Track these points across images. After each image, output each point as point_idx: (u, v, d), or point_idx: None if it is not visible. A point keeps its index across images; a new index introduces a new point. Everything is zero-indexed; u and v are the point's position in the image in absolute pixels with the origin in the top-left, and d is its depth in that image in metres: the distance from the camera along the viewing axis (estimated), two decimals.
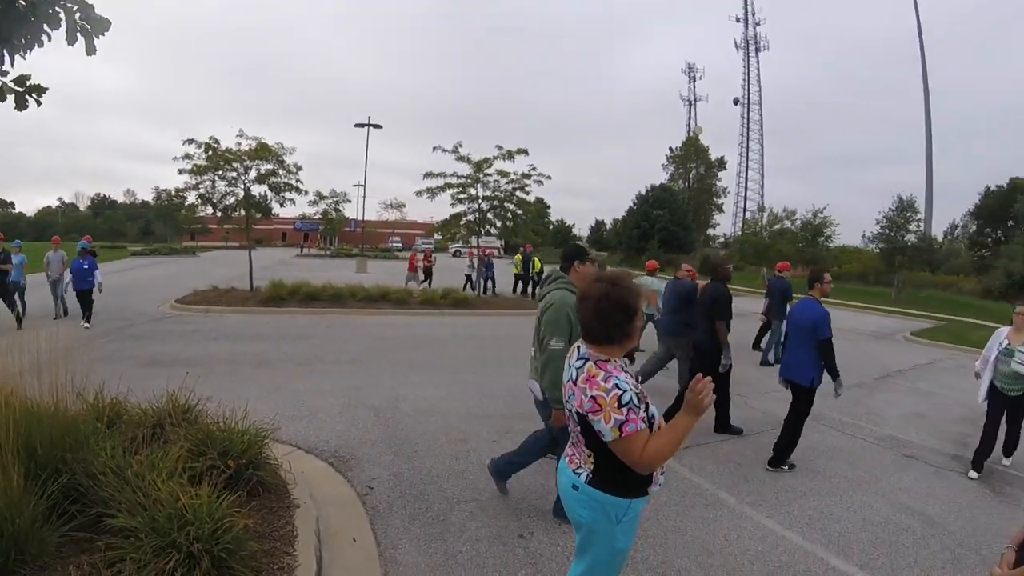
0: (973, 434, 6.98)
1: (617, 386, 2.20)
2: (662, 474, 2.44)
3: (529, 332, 4.52)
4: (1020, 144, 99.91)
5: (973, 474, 5.77)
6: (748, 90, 74.51)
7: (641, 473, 2.24)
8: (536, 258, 21.68)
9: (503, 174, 18.49)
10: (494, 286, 21.31)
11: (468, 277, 21.76)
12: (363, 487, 4.69)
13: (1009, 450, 6.03)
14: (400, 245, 68.53)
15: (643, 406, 2.27)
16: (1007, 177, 47.25)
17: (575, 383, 2.32)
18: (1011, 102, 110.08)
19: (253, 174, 16.38)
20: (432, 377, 8.48)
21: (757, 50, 74.36)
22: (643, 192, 58.28)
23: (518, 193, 18.91)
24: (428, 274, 22.64)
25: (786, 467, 5.63)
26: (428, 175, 18.41)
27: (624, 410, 2.17)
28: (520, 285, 21.87)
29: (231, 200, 16.50)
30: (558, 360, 3.65)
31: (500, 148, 18.13)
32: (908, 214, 40.92)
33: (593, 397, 2.21)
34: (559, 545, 3.98)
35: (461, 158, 18.14)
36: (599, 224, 77.45)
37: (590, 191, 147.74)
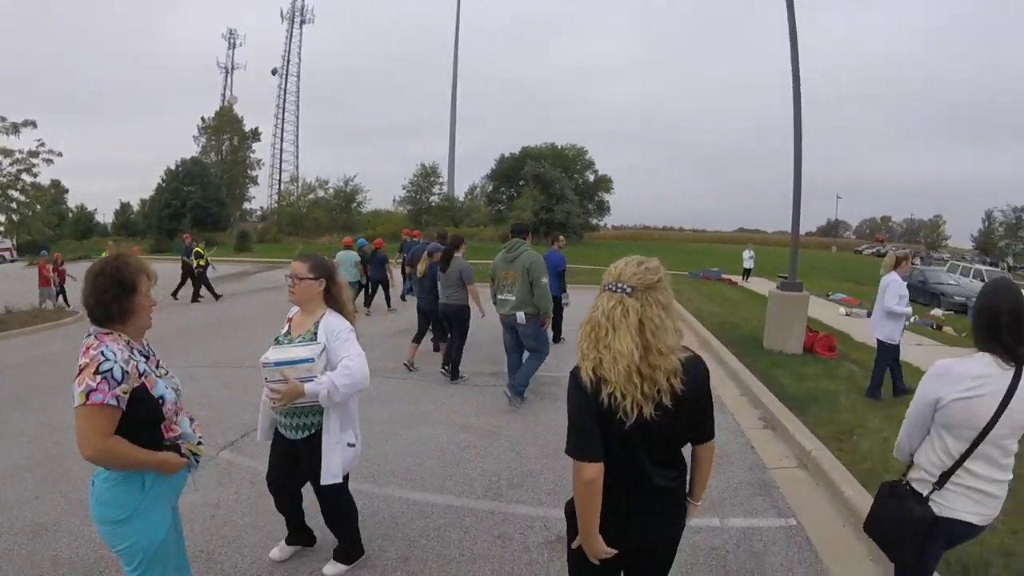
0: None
1: (102, 353, 2.14)
2: (197, 461, 2.44)
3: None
4: (529, 119, 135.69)
5: None
6: (288, 61, 73.75)
7: (83, 455, 2.09)
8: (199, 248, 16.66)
9: (6, 153, 14.95)
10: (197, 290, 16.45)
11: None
12: None
13: None
14: None
15: (129, 383, 2.16)
16: (520, 146, 60.50)
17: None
18: (525, 83, 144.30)
19: None
20: None
21: (303, 22, 74.27)
22: (173, 167, 52.51)
23: (24, 176, 15.33)
24: (61, 289, 16.25)
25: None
26: None
27: (98, 378, 2.09)
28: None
29: None
30: (547, 289, 6.31)
31: (3, 120, 14.52)
32: (432, 179, 49.17)
33: (81, 365, 2.14)
34: None
35: None
36: (125, 207, 66.74)
37: (119, 168, 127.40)
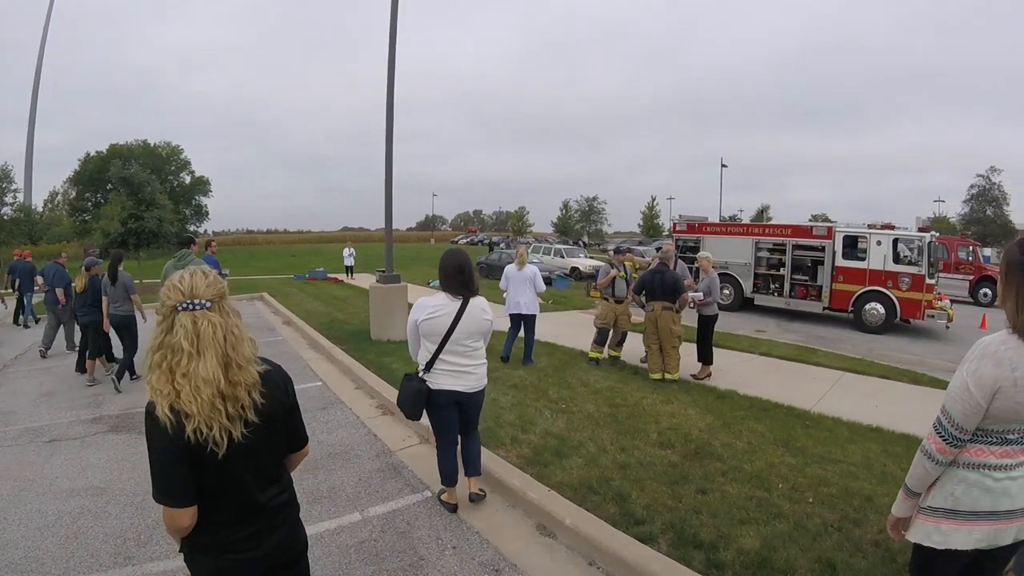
0: (104, 393, 7.43)
1: None
2: None
3: None
4: (120, 111, 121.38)
5: None
6: None
7: None
8: None
9: None
10: None
11: None
12: None
13: None
14: None
15: None
16: (107, 143, 53.51)
17: None
18: (116, 71, 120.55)
19: None
20: None
21: None
22: None
23: None
24: None
25: None
26: None
27: None
28: None
29: None
30: None
31: None
32: (4, 185, 40.08)
33: None
34: None
35: None
36: None
37: None
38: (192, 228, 58.07)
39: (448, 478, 4.18)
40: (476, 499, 4.24)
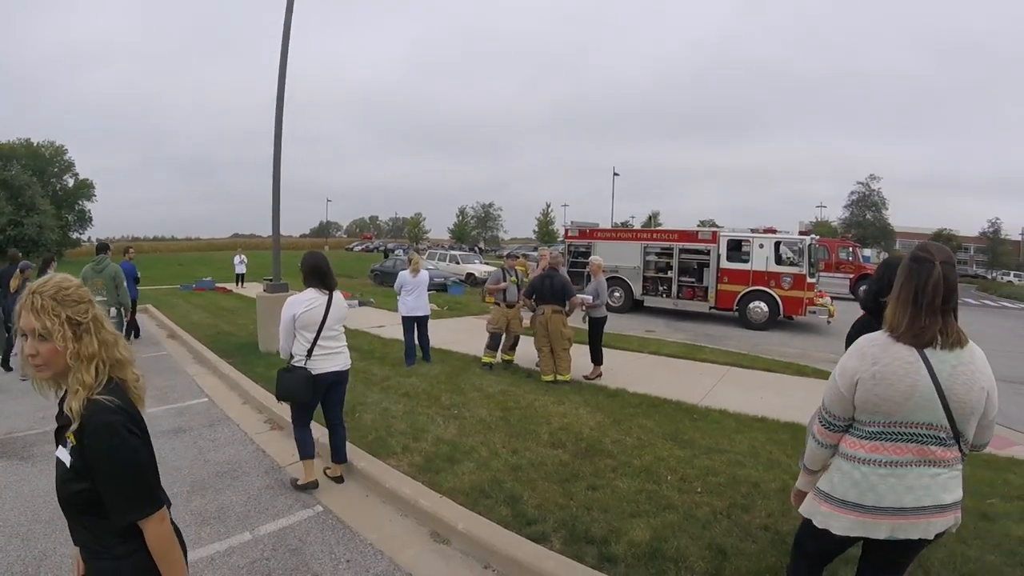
0: None
1: None
2: None
3: None
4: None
5: None
6: None
7: None
8: None
9: None
10: None
11: None
12: None
13: None
14: None
15: None
16: None
17: None
18: None
19: None
20: None
21: None
22: None
23: None
24: None
25: None
26: None
27: None
28: None
29: None
30: (127, 290, 9.42)
31: None
32: None
33: None
34: None
35: None
36: None
37: None
38: (75, 236, 54.71)
39: (308, 449, 4.65)
40: (339, 482, 4.79)
